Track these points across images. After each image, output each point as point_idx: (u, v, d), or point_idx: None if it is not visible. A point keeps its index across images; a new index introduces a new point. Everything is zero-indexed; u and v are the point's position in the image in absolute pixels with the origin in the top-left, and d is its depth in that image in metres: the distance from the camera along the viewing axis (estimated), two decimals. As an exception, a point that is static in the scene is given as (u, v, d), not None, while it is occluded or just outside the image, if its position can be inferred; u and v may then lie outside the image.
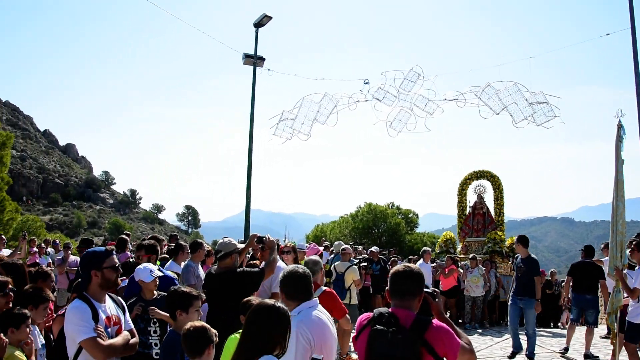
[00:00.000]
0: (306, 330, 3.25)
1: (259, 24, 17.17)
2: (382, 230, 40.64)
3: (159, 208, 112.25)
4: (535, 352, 8.73)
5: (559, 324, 16.49)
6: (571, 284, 9.39)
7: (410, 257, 18.34)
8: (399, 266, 3.10)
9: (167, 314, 5.16)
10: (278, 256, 6.23)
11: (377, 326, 2.81)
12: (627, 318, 7.09)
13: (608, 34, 15.11)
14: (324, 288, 5.56)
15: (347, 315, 6.13)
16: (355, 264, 11.10)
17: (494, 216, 18.76)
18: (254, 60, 17.31)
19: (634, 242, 7.37)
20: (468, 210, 19.33)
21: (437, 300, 3.18)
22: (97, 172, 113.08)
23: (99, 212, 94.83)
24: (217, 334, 3.70)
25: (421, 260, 12.74)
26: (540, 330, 12.97)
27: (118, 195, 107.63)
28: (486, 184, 19.34)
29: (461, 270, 13.78)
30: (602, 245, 10.09)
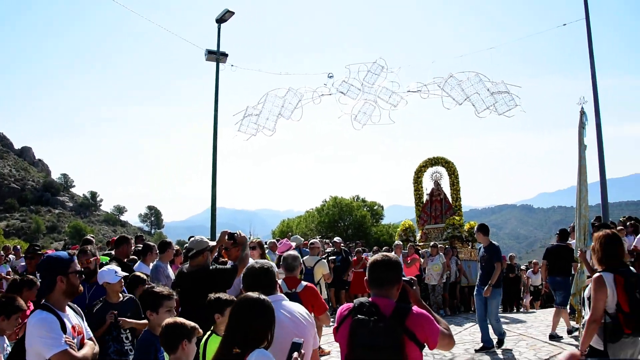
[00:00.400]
0: None
1: (221, 20, 16.94)
2: (348, 223, 40.88)
3: (120, 210, 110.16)
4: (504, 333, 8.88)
5: (522, 308, 16.97)
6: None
7: (374, 247, 18.46)
8: (377, 255, 3.11)
9: (137, 321, 5.08)
10: (249, 252, 6.21)
11: (359, 316, 2.82)
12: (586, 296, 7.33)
13: (565, 24, 15.52)
14: (305, 283, 5.47)
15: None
16: (324, 258, 11.12)
17: (451, 202, 18.74)
18: (217, 56, 17.09)
19: (595, 225, 7.63)
20: (425, 197, 19.25)
21: (414, 287, 3.21)
22: (55, 175, 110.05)
23: (58, 216, 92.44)
24: (197, 327, 3.61)
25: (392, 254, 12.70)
26: (505, 314, 13.34)
27: (78, 198, 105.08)
28: (442, 170, 19.32)
29: (422, 260, 13.85)
30: (570, 229, 10.33)
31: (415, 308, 2.92)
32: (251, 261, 4.33)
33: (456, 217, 17.77)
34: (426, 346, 2.90)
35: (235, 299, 4.43)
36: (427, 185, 19.40)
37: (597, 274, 4.37)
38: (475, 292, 9.17)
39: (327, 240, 16.99)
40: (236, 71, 18.12)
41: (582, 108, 7.21)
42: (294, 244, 11.87)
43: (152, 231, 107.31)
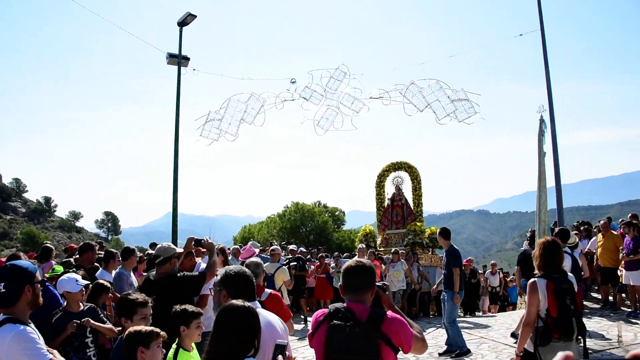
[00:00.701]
0: None
1: (182, 23, 16.72)
2: (309, 229, 40.90)
3: (76, 215, 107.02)
4: (464, 340, 8.83)
5: (480, 312, 17.25)
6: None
7: (335, 253, 18.37)
8: (351, 261, 3.13)
9: (102, 325, 4.96)
10: (217, 258, 6.13)
11: (334, 321, 2.84)
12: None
13: (521, 35, 15.97)
14: (269, 291, 5.35)
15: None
16: (285, 264, 11.05)
17: (412, 207, 18.64)
18: (179, 59, 16.87)
19: (555, 232, 7.86)
20: (387, 202, 19.03)
21: (387, 292, 3.25)
22: (6, 180, 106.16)
23: (10, 222, 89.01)
24: (158, 332, 3.56)
25: (365, 259, 12.51)
26: (466, 318, 13.55)
27: (31, 203, 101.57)
28: (404, 175, 19.21)
29: (383, 266, 13.68)
30: (529, 234, 10.55)
31: (389, 313, 2.96)
32: (238, 267, 4.29)
33: (417, 223, 17.70)
34: (400, 350, 2.93)
35: (201, 310, 4.38)
36: (389, 190, 19.29)
37: (531, 280, 4.55)
38: (441, 297, 9.23)
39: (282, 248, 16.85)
40: (198, 75, 17.97)
41: (542, 116, 7.43)
42: (257, 251, 11.70)
43: (109, 237, 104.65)
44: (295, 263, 13.46)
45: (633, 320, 9.87)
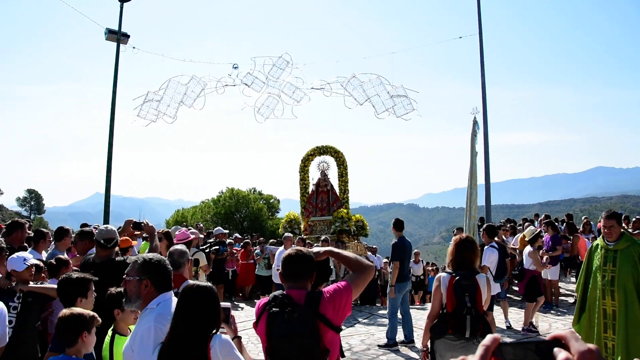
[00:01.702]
0: (166, 325, 3.04)
1: (123, -1, 16.30)
2: (244, 215, 40.75)
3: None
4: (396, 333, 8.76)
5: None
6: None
7: (261, 239, 17.75)
8: (291, 250, 3.21)
9: (40, 285, 4.85)
10: (159, 242, 6.07)
11: (273, 309, 2.93)
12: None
13: (460, 37, 16.65)
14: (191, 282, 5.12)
15: None
16: (204, 249, 10.88)
17: (338, 194, 17.89)
18: (118, 36, 16.41)
19: (482, 228, 8.32)
20: (311, 188, 18.17)
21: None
22: None
23: None
24: (96, 317, 3.53)
25: (281, 248, 12.13)
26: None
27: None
28: (330, 160, 18.28)
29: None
30: (456, 230, 11.04)
31: (325, 290, 3.06)
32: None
33: (344, 210, 17.15)
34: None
35: None
36: (314, 175, 18.38)
37: (438, 275, 4.73)
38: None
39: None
40: (138, 54, 17.56)
41: (475, 118, 7.81)
42: (192, 236, 11.29)
43: (32, 216, 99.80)
44: (217, 247, 13.31)
45: (552, 312, 10.59)
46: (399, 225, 9.08)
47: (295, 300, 2.95)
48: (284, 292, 3.02)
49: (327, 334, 2.93)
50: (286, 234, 12.73)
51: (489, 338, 0.87)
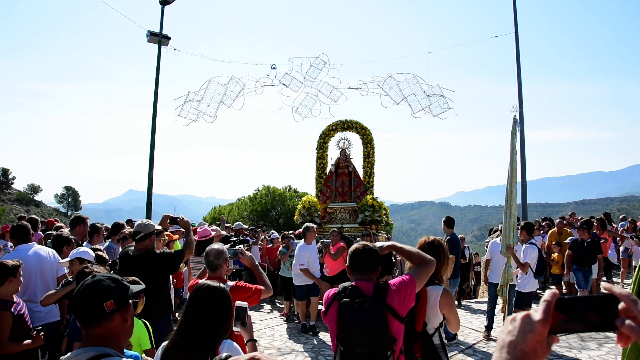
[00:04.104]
0: None
1: (165, 2, 16.75)
2: (279, 213, 41.09)
3: (35, 189, 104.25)
4: None
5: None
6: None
7: (284, 233, 14.22)
8: (358, 244, 3.41)
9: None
10: (194, 236, 6.22)
11: (344, 299, 3.13)
12: (516, 288, 8.14)
13: (496, 36, 16.59)
14: (231, 283, 4.51)
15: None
16: (231, 246, 10.74)
17: (362, 177, 15.84)
18: (159, 38, 16.88)
19: (521, 225, 8.40)
20: (329, 168, 16.13)
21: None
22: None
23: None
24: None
25: (301, 242, 10.04)
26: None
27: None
28: (354, 137, 16.38)
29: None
30: (492, 229, 11.05)
31: (392, 282, 3.25)
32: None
33: (368, 197, 15.03)
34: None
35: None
36: (333, 154, 16.31)
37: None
38: None
39: (260, 230, 15.94)
40: (179, 55, 18.00)
41: (515, 116, 7.85)
42: (213, 233, 9.64)
43: (69, 212, 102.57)
44: (241, 245, 13.05)
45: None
46: (450, 222, 9.44)
47: (364, 292, 3.14)
48: (353, 284, 3.20)
49: (394, 323, 3.11)
50: (307, 224, 10.44)
51: (549, 293, 0.97)
